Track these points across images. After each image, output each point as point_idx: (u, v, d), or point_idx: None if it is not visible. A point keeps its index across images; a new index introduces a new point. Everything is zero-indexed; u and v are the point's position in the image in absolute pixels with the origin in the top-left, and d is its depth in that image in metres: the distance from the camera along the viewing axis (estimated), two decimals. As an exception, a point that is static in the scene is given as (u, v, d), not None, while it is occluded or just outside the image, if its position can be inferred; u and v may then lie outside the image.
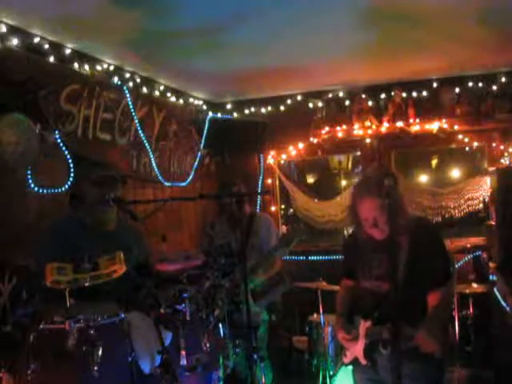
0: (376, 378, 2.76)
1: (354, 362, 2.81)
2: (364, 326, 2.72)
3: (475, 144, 5.66)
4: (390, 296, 2.53)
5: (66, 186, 3.77)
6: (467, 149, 5.92)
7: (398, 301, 2.45)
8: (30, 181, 3.49)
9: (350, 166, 6.80)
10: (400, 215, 2.60)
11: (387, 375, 2.63)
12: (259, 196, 6.24)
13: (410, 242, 2.65)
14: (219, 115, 6.16)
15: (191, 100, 5.74)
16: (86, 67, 4.01)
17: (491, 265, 5.01)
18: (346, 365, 2.93)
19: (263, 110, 6.12)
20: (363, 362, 2.74)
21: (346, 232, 6.82)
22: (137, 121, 4.68)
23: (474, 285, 4.76)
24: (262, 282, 4.05)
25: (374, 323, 2.68)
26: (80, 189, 2.95)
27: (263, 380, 3.37)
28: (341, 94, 5.87)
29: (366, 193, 2.68)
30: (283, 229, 6.30)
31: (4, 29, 3.27)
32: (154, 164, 4.99)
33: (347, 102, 5.89)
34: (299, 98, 5.98)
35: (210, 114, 6.10)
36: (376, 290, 2.71)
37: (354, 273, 2.88)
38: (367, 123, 5.78)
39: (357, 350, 2.76)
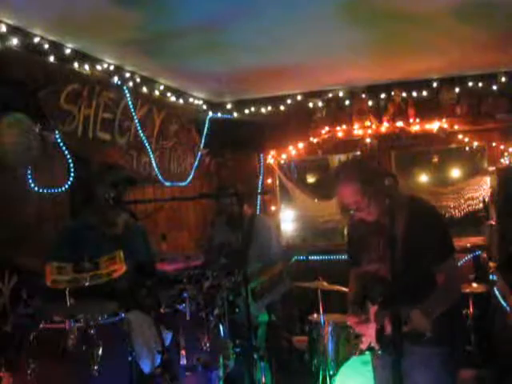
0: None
1: (371, 348, 2.75)
2: (373, 310, 2.70)
3: (475, 144, 5.66)
4: (387, 279, 2.53)
5: (66, 186, 3.77)
6: (467, 149, 5.90)
7: (397, 282, 2.40)
8: (30, 181, 3.50)
9: (349, 165, 6.78)
10: (382, 197, 2.53)
11: (402, 361, 2.55)
12: (259, 196, 6.24)
13: (404, 221, 2.61)
14: (219, 115, 6.16)
15: (191, 100, 5.74)
16: (86, 67, 4.01)
17: (491, 264, 5.01)
18: (364, 351, 2.84)
19: (263, 110, 6.12)
20: (376, 347, 2.69)
21: (346, 232, 6.83)
22: (137, 121, 4.68)
23: (474, 284, 4.76)
24: (262, 282, 4.05)
25: (380, 307, 2.66)
26: (94, 192, 2.98)
27: (263, 380, 3.38)
28: (341, 94, 5.87)
29: (341, 180, 2.70)
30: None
31: (4, 29, 3.27)
32: (154, 164, 4.99)
33: (347, 102, 5.89)
34: (299, 97, 5.97)
35: (210, 113, 6.10)
36: (377, 273, 2.70)
37: (358, 258, 2.87)
38: (367, 123, 5.78)
39: (370, 335, 2.72)
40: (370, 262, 2.75)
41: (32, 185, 3.50)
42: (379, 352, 2.68)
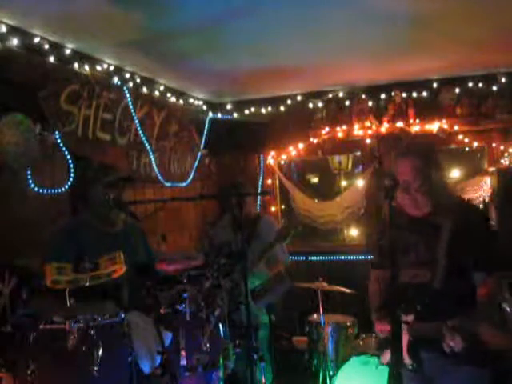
0: (422, 382, 2.48)
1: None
2: (406, 320, 2.40)
3: (475, 144, 5.66)
4: (431, 287, 2.34)
5: (66, 186, 3.77)
6: (467, 149, 5.90)
7: (441, 292, 2.26)
8: (30, 181, 3.49)
9: (350, 166, 6.79)
10: (440, 191, 2.38)
11: (435, 378, 2.40)
12: (259, 196, 6.24)
13: (452, 224, 2.37)
14: (219, 115, 6.16)
15: (191, 100, 5.74)
16: (86, 67, 4.01)
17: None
18: (385, 365, 2.53)
19: (263, 110, 6.12)
20: (407, 361, 2.41)
21: (345, 232, 6.83)
22: (137, 121, 4.68)
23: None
24: (262, 283, 4.05)
25: (416, 318, 2.38)
26: (90, 191, 2.98)
27: (263, 380, 3.37)
28: (341, 94, 5.87)
29: (403, 152, 2.49)
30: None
31: (4, 29, 3.27)
32: (154, 164, 4.99)
33: (347, 102, 5.89)
34: (299, 98, 5.98)
35: (210, 114, 6.10)
36: (414, 280, 2.45)
37: (389, 260, 2.50)
38: (367, 123, 5.79)
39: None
40: (407, 265, 2.46)
41: (32, 185, 3.50)
42: (410, 367, 2.41)
